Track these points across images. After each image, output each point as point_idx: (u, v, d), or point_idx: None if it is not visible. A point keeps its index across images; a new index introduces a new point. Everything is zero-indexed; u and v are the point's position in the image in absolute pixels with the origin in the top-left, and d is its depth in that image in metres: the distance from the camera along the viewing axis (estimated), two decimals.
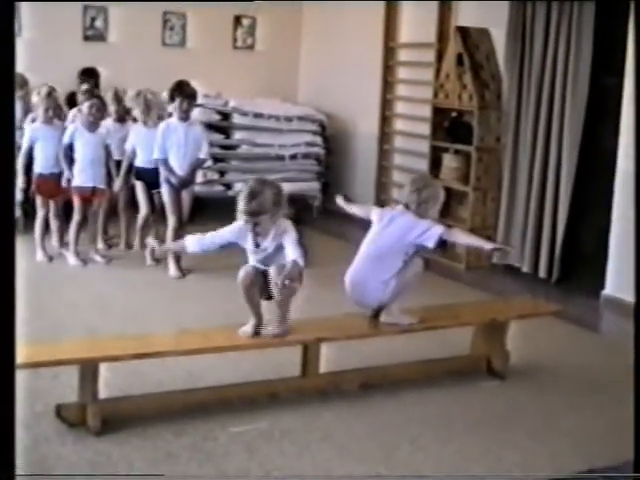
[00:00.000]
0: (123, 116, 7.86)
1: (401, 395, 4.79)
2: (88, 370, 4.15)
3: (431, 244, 4.73)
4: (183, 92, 7.18)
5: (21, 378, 4.46)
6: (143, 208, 7.57)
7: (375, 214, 4.99)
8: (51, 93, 7.51)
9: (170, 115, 7.60)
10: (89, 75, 8.71)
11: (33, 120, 7.68)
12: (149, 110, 7.50)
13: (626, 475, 3.68)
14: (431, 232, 4.71)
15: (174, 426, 4.25)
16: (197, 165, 7.25)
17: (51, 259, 7.38)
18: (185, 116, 7.06)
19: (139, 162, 7.48)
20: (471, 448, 4.22)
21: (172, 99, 7.29)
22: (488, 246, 5.04)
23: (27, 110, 8.13)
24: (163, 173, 7.06)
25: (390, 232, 4.81)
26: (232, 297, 6.50)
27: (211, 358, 4.75)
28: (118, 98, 7.87)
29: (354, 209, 5.33)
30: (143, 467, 3.89)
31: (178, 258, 7.09)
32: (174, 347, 4.50)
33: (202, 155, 7.18)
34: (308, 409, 4.55)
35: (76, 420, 4.19)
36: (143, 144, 7.39)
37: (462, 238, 5.24)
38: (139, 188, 7.53)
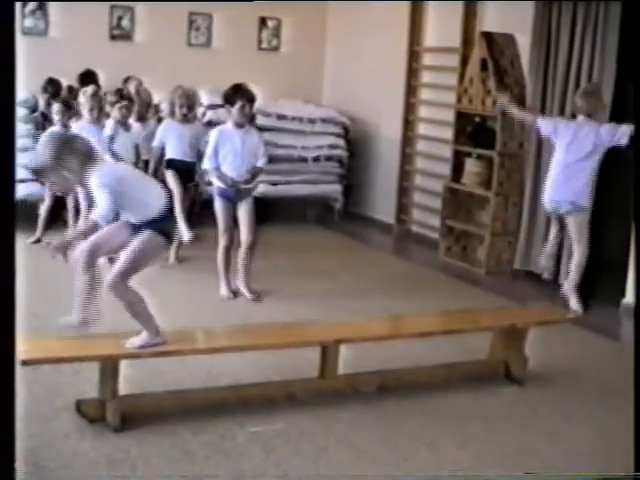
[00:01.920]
0: (144, 115, 7.87)
1: (419, 398, 4.80)
2: (108, 367, 4.20)
3: (624, 141, 5.78)
4: (245, 95, 6.48)
5: (43, 373, 4.54)
6: (176, 190, 7.17)
7: (546, 125, 6.31)
8: (97, 93, 7.55)
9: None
10: (88, 78, 8.69)
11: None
12: (190, 107, 7.34)
13: (626, 475, 3.67)
14: (621, 131, 5.89)
15: (192, 424, 4.28)
16: (254, 174, 6.62)
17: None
18: (244, 121, 6.52)
19: (170, 154, 7.33)
20: (488, 452, 4.23)
21: (229, 103, 6.51)
22: None
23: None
24: (216, 187, 6.56)
25: (581, 144, 5.99)
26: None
27: (230, 357, 4.78)
28: (141, 98, 7.90)
29: (515, 110, 6.67)
30: (160, 464, 3.92)
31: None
32: (193, 345, 4.53)
33: (259, 163, 6.63)
34: (326, 410, 4.57)
35: (95, 416, 4.23)
36: (175, 138, 7.27)
37: None
38: (170, 175, 7.28)
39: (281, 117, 9.40)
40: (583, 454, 4.28)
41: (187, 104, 7.32)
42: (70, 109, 7.78)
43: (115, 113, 7.33)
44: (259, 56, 10.31)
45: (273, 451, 4.10)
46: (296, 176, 9.49)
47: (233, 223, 6.56)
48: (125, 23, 9.61)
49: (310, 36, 10.45)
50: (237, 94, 6.45)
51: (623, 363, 5.60)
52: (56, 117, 7.68)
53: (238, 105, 6.39)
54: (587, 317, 5.97)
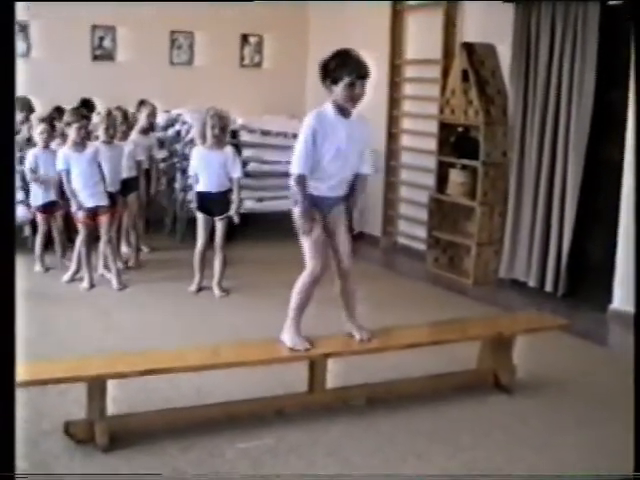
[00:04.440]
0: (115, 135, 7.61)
1: (408, 410, 4.80)
2: (96, 387, 4.18)
3: None
4: (356, 68, 4.62)
5: (29, 396, 4.51)
6: (200, 240, 7.12)
7: None
8: (111, 113, 7.52)
9: None
10: (86, 107, 8.67)
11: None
12: (223, 128, 7.02)
13: (626, 475, 3.68)
14: None
15: (181, 442, 4.27)
16: (356, 183, 4.85)
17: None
18: (353, 107, 4.79)
19: (201, 187, 7.07)
20: (478, 462, 4.23)
21: (331, 79, 4.62)
22: None
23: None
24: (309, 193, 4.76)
25: None
26: (240, 313, 6.53)
27: (219, 374, 4.77)
28: (127, 118, 7.89)
29: None
30: None
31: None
32: (181, 363, 4.52)
33: (364, 169, 4.86)
34: (315, 424, 4.57)
35: (84, 437, 4.22)
36: (206, 167, 6.99)
37: None
38: (199, 221, 7.12)
39: (265, 133, 9.39)
40: (572, 462, 4.27)
41: (220, 125, 6.97)
42: (54, 130, 7.75)
43: (72, 132, 7.07)
44: (242, 73, 10.36)
45: (263, 466, 4.09)
46: (282, 191, 9.48)
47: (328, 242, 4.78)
48: (107, 43, 9.64)
49: (292, 51, 10.50)
50: (344, 67, 4.57)
51: (611, 369, 5.63)
52: (38, 138, 7.62)
53: (345, 82, 4.56)
54: (574, 323, 5.98)
